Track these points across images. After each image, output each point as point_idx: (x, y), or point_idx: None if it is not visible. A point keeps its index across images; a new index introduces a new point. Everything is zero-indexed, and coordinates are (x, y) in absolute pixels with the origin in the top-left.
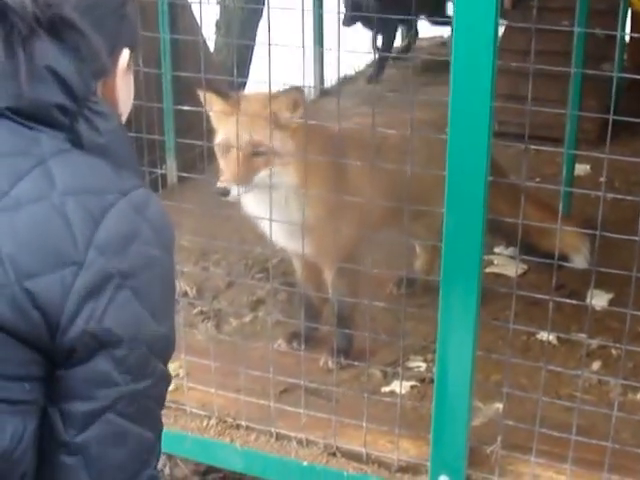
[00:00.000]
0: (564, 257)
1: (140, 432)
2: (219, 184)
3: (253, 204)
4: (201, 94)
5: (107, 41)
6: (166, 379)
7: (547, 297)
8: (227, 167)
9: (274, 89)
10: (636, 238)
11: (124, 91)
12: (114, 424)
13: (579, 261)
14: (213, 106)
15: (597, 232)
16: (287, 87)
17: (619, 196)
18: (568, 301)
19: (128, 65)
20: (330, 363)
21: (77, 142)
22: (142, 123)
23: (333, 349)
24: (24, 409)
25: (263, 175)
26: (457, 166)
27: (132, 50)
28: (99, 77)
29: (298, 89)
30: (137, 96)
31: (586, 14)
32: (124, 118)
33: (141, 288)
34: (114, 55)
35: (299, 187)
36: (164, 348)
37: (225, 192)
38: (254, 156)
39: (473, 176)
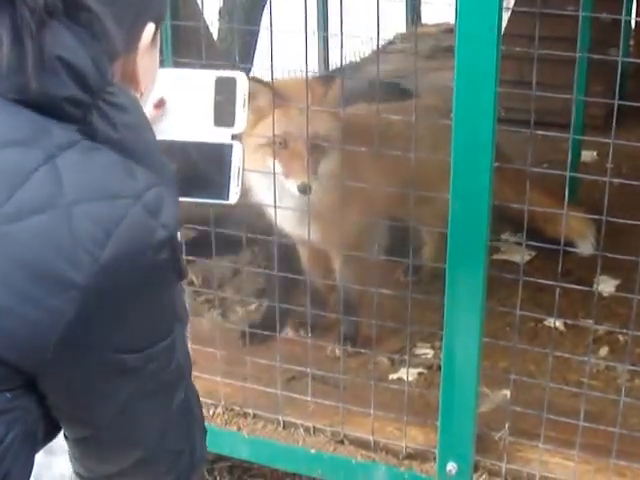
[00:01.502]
0: (570, 243)
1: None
2: (299, 182)
3: (268, 191)
4: (254, 84)
5: (128, 15)
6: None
7: (554, 283)
8: (297, 162)
9: (281, 76)
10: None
11: (147, 68)
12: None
13: (585, 247)
14: (258, 99)
15: (603, 217)
16: (323, 74)
17: (626, 181)
18: (575, 287)
19: (153, 40)
20: (337, 351)
21: (91, 135)
22: None
23: (340, 337)
24: (8, 417)
25: (324, 166)
26: (462, 152)
27: (157, 25)
28: (118, 56)
29: (341, 78)
30: None
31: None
32: (146, 96)
33: (147, 301)
34: (136, 29)
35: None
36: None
37: (307, 189)
38: (314, 147)
39: (479, 162)
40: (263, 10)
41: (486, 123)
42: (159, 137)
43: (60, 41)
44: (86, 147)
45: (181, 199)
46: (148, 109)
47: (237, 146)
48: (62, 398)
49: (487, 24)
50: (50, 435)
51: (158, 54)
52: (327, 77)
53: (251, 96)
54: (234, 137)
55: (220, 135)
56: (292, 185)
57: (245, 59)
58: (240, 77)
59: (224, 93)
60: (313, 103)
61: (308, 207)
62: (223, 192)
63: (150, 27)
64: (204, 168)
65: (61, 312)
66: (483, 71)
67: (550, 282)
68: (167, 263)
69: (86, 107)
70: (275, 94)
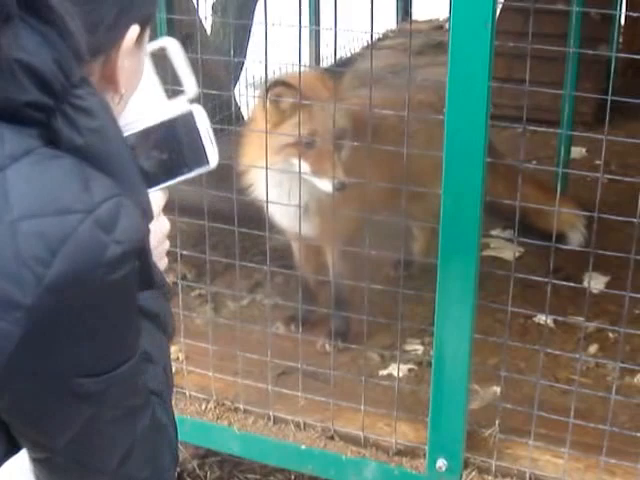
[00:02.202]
0: (560, 235)
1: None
2: (335, 180)
3: (270, 187)
4: (279, 88)
5: (108, 14)
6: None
7: (545, 279)
8: (327, 161)
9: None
10: (634, 220)
11: (130, 70)
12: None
13: (575, 238)
14: (282, 100)
15: (595, 214)
16: (330, 67)
17: (617, 177)
18: (565, 283)
19: (138, 42)
20: (327, 346)
21: (54, 140)
22: None
23: (330, 332)
24: None
25: (349, 162)
26: (454, 147)
27: (143, 27)
28: (95, 55)
29: (346, 65)
30: None
31: None
32: (126, 98)
33: (102, 322)
34: (117, 30)
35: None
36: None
37: (344, 186)
38: (341, 145)
39: (471, 157)
40: (256, 4)
41: (479, 118)
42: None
43: (19, 43)
44: (42, 156)
45: (167, 184)
46: (127, 112)
47: (197, 109)
48: (15, 419)
49: (481, 19)
50: (11, 452)
51: (143, 57)
52: (336, 71)
53: (275, 95)
54: (191, 102)
55: (177, 106)
56: (326, 184)
57: (238, 53)
58: (170, 42)
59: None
60: (331, 99)
61: (299, 203)
62: (202, 160)
63: (134, 29)
64: (176, 145)
65: (7, 334)
66: (476, 66)
67: (541, 278)
68: (124, 281)
69: (49, 111)
70: (301, 95)
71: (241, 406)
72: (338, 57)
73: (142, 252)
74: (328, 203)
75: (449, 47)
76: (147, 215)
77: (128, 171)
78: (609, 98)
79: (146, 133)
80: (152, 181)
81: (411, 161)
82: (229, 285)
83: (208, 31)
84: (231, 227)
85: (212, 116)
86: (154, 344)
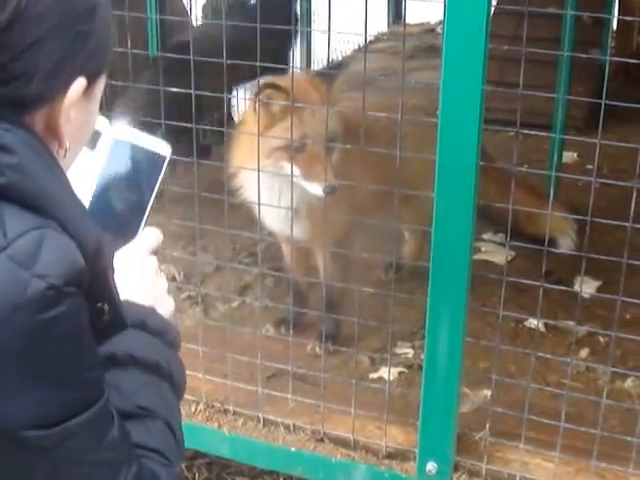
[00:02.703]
0: (550, 240)
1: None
2: (325, 184)
3: (261, 189)
4: (269, 89)
5: (46, 62)
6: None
7: (537, 283)
8: (318, 165)
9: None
10: (626, 224)
11: (76, 124)
12: None
13: (565, 244)
14: (273, 103)
15: (587, 218)
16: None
17: (609, 181)
18: (557, 287)
19: (86, 95)
20: (317, 349)
21: None
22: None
23: (321, 335)
24: None
25: (339, 166)
26: (448, 150)
27: (94, 80)
28: (32, 103)
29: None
30: (124, 77)
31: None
32: (73, 153)
33: (36, 368)
34: (58, 81)
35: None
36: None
37: (334, 190)
38: (331, 148)
39: (464, 160)
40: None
41: (472, 121)
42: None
43: None
44: None
45: (146, 215)
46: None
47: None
48: None
49: (475, 22)
50: None
51: (95, 110)
52: (327, 74)
53: (266, 98)
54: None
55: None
56: (316, 187)
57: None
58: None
59: None
60: (322, 102)
61: (291, 206)
62: (158, 169)
63: (80, 81)
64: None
65: None
66: (471, 69)
67: (532, 282)
68: (63, 320)
69: None
70: (292, 98)
71: (231, 408)
72: (330, 60)
73: (101, 279)
74: (318, 206)
75: (443, 49)
76: (100, 252)
77: (63, 208)
78: (603, 102)
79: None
80: (132, 222)
81: (402, 164)
82: (219, 287)
83: None
84: (221, 229)
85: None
86: (152, 397)
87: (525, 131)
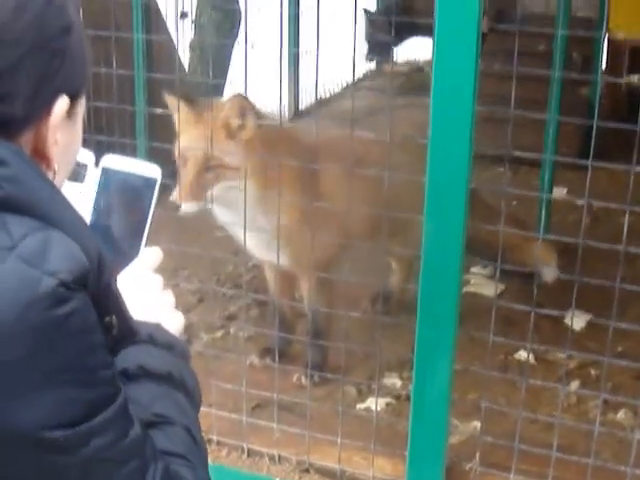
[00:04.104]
0: (534, 271)
1: None
2: (172, 197)
3: (226, 216)
4: (168, 98)
5: (25, 82)
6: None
7: (527, 308)
8: (182, 181)
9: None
10: (620, 247)
11: (62, 146)
12: None
13: (549, 273)
14: (179, 112)
15: (579, 240)
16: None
17: (601, 203)
18: (548, 312)
19: (69, 115)
20: (303, 379)
21: None
22: (115, 126)
23: (307, 364)
24: None
25: (220, 189)
26: (437, 184)
27: (75, 99)
28: (19, 127)
29: (241, 95)
30: (109, 98)
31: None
32: (60, 177)
33: (53, 364)
34: (41, 101)
35: (262, 197)
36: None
37: (176, 207)
38: (207, 170)
39: (453, 193)
40: (233, 45)
41: (462, 155)
42: None
43: None
44: None
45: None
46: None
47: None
48: None
49: (464, 63)
50: None
51: (79, 131)
52: (236, 96)
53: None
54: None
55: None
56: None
57: (216, 91)
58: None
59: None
60: (214, 126)
61: (278, 232)
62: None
63: (63, 100)
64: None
65: None
66: (460, 99)
67: (525, 307)
68: (75, 317)
69: None
70: (190, 112)
71: (215, 438)
72: (317, 98)
73: (106, 292)
74: (294, 229)
75: (432, 88)
76: (102, 263)
77: (62, 216)
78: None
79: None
80: (132, 245)
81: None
82: (202, 317)
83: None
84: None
85: None
86: (168, 405)
87: (513, 167)
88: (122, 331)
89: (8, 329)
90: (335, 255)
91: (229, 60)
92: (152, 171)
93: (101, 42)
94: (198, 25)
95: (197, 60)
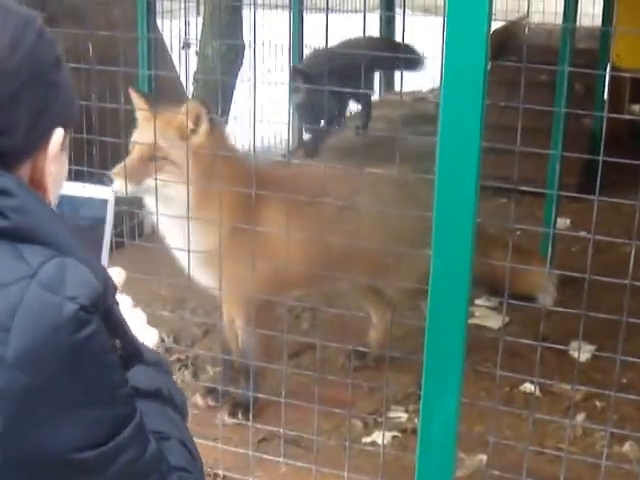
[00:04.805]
0: (531, 297)
1: None
2: (109, 172)
3: (158, 209)
4: (131, 93)
5: (23, 115)
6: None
7: (534, 343)
8: (125, 162)
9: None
10: (625, 282)
11: (56, 174)
12: None
13: (546, 299)
14: (138, 107)
15: (585, 275)
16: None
17: (605, 238)
18: (554, 346)
19: (62, 146)
20: (226, 417)
21: None
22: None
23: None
24: None
25: (155, 181)
26: (444, 214)
27: (66, 128)
28: (19, 158)
29: (198, 102)
30: (114, 132)
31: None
32: (52, 204)
33: (78, 387)
34: (38, 133)
35: (193, 208)
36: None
37: (109, 182)
38: (151, 160)
39: (460, 224)
40: (238, 73)
41: (469, 185)
42: None
43: None
44: None
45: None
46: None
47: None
48: None
49: (472, 93)
50: None
51: (66, 161)
52: (195, 102)
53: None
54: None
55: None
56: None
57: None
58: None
59: None
60: (169, 124)
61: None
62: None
63: (59, 132)
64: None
65: None
66: (467, 128)
67: (529, 342)
68: (94, 339)
69: None
70: (147, 108)
71: (221, 472)
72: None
73: (110, 316)
74: (223, 253)
75: (441, 109)
76: (107, 286)
77: (65, 242)
78: (600, 159)
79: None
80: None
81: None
82: (208, 350)
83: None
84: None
85: None
86: (162, 421)
87: (517, 196)
88: (128, 351)
89: (36, 353)
90: (273, 293)
91: (232, 91)
92: (104, 193)
93: (106, 75)
94: (202, 56)
95: (201, 91)
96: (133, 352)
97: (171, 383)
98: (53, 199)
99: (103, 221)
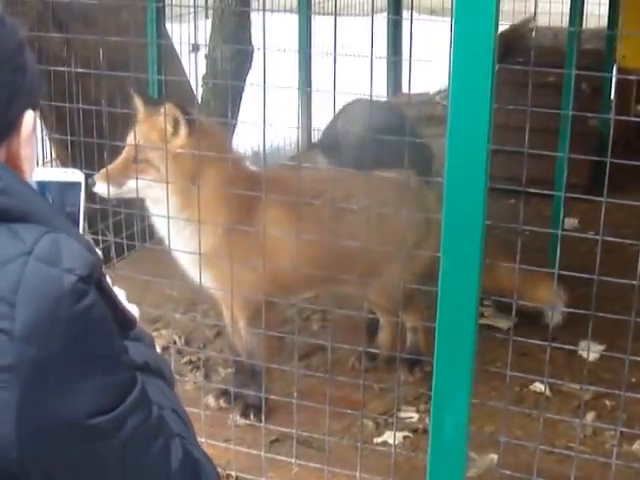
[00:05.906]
0: (539, 313)
1: None
2: (95, 175)
3: (152, 209)
4: (135, 98)
5: None
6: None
7: (544, 343)
8: (111, 164)
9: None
10: (634, 282)
11: (30, 157)
12: None
13: (555, 316)
14: (136, 110)
15: (594, 276)
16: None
17: (613, 239)
18: (563, 347)
19: (33, 128)
20: (238, 418)
21: None
22: None
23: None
24: None
25: (142, 183)
26: (454, 214)
27: (34, 109)
28: None
29: (175, 105)
30: (126, 138)
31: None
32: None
33: (86, 355)
34: (12, 115)
35: (179, 210)
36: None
37: (92, 183)
38: (133, 162)
39: (470, 223)
40: (246, 76)
41: (478, 185)
42: None
43: None
44: None
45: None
46: None
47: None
48: None
49: (481, 90)
50: None
51: (36, 140)
52: (169, 105)
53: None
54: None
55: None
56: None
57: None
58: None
59: None
60: (151, 127)
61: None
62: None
63: (30, 114)
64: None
65: (4, 402)
66: (475, 131)
67: (540, 342)
68: (94, 308)
69: None
70: (142, 110)
71: (233, 473)
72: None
73: (102, 287)
74: (218, 254)
75: (449, 114)
76: (92, 251)
77: (54, 219)
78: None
79: None
80: None
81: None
82: (220, 352)
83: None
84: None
85: None
86: (154, 391)
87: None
88: (120, 321)
89: (42, 325)
90: (272, 294)
91: (241, 94)
92: (76, 176)
93: (116, 80)
94: (211, 59)
95: (209, 93)
96: (125, 322)
97: (157, 355)
98: (29, 180)
99: (75, 200)
